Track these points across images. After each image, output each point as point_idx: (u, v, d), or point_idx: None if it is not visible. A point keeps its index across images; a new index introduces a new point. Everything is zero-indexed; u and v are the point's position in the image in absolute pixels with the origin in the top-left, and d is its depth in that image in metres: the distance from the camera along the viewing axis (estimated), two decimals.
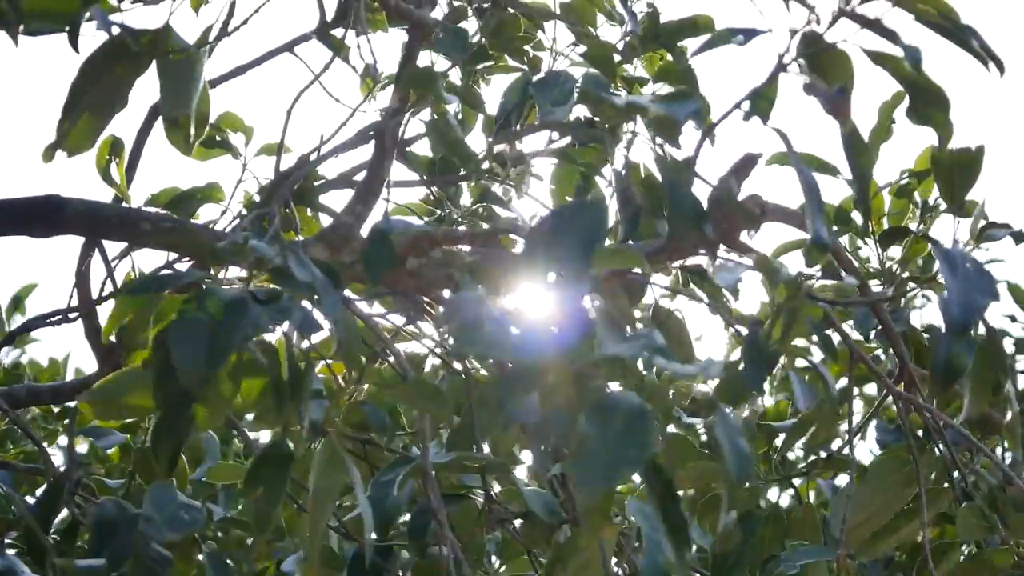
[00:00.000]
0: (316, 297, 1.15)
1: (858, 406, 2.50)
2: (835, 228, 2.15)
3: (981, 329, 1.33)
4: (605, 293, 1.40)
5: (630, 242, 1.64)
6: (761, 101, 1.31)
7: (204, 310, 1.09)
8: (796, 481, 2.34)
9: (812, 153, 2.10)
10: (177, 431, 1.14)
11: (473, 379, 1.80)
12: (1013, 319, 2.33)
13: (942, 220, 1.98)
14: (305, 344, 1.26)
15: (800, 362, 1.46)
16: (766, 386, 2.51)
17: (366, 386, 1.51)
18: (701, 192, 1.52)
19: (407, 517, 1.58)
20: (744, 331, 1.25)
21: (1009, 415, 1.21)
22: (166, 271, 1.32)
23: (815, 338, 1.30)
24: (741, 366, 1.21)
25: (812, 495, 2.11)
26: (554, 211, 1.15)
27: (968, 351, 1.12)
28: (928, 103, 1.32)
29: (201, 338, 1.07)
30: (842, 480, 2.15)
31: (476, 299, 1.18)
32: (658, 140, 1.51)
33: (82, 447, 2.28)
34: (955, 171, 1.19)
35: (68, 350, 2.87)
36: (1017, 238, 1.17)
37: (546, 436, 1.09)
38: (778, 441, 2.22)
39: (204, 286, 1.12)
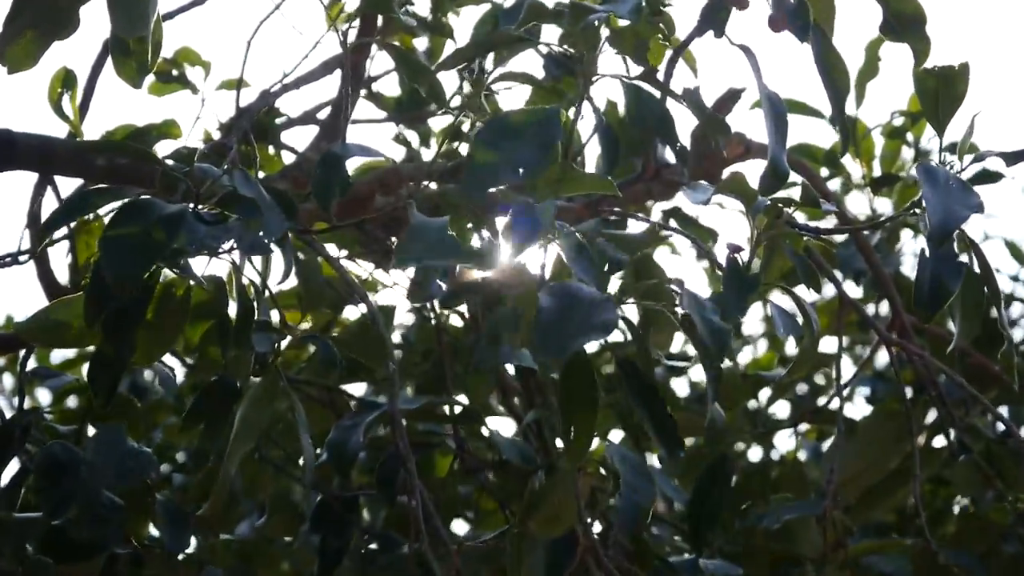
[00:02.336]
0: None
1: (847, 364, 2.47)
2: (824, 172, 2.10)
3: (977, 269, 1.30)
4: (576, 221, 1.34)
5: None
6: (720, 12, 1.33)
7: (140, 222, 1.07)
8: (782, 441, 2.31)
9: (796, 99, 2.14)
10: (114, 361, 1.11)
11: (443, 325, 1.82)
12: (1016, 279, 2.28)
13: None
14: (256, 277, 1.27)
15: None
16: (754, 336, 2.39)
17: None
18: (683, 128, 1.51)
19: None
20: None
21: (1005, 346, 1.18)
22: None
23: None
24: (721, 292, 1.19)
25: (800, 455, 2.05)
26: (503, 114, 1.15)
27: (955, 273, 1.10)
28: (902, 19, 1.33)
29: (134, 246, 1.05)
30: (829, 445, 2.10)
31: (438, 224, 1.18)
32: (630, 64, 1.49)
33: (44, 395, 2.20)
34: (939, 90, 1.16)
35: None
36: (1009, 159, 1.13)
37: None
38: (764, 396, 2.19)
39: (141, 199, 1.10)
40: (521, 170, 1.15)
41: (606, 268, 1.26)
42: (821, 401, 2.24)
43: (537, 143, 1.17)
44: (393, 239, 1.68)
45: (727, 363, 1.52)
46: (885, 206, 2.20)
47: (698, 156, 1.63)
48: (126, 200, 1.10)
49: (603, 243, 1.28)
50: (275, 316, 1.35)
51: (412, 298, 1.33)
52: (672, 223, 1.83)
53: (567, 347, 1.07)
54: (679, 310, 1.21)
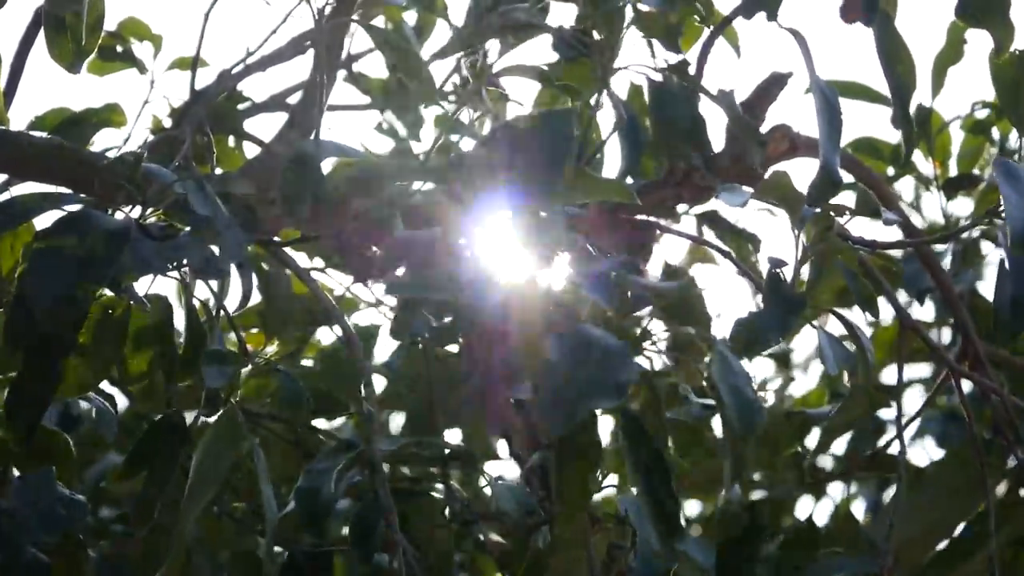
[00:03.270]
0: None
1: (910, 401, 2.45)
2: (891, 172, 2.07)
3: None
4: (590, 232, 1.41)
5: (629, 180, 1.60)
6: None
7: (76, 239, 1.08)
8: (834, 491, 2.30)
9: (858, 81, 2.14)
10: (37, 391, 1.11)
11: (433, 352, 1.82)
12: None
13: None
14: (210, 299, 1.30)
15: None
16: (800, 372, 2.47)
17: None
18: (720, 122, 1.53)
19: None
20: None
21: None
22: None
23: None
24: (759, 310, 1.22)
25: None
26: (511, 120, 1.18)
27: None
28: (982, 1, 1.33)
29: (66, 269, 1.05)
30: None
31: (427, 237, 1.24)
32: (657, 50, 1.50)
33: None
34: (1020, 81, 1.15)
35: None
36: None
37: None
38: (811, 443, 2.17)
39: (80, 211, 1.10)
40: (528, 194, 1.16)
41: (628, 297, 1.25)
42: (879, 443, 2.18)
43: (548, 156, 1.20)
44: (375, 248, 1.62)
45: (770, 398, 1.50)
46: (965, 210, 2.20)
47: (735, 155, 1.63)
48: (61, 211, 1.12)
49: (624, 268, 1.28)
50: (233, 340, 1.38)
51: (395, 334, 1.36)
52: (706, 231, 1.76)
53: (573, 414, 1.08)
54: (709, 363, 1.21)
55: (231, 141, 1.87)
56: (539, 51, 1.57)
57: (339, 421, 1.95)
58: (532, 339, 1.18)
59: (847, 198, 1.37)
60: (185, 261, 1.16)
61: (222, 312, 1.32)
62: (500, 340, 1.26)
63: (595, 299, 1.18)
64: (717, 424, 2.12)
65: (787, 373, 2.32)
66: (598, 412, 1.25)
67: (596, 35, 1.46)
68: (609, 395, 1.06)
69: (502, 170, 1.20)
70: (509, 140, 1.22)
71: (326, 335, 1.88)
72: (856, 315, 1.35)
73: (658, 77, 1.41)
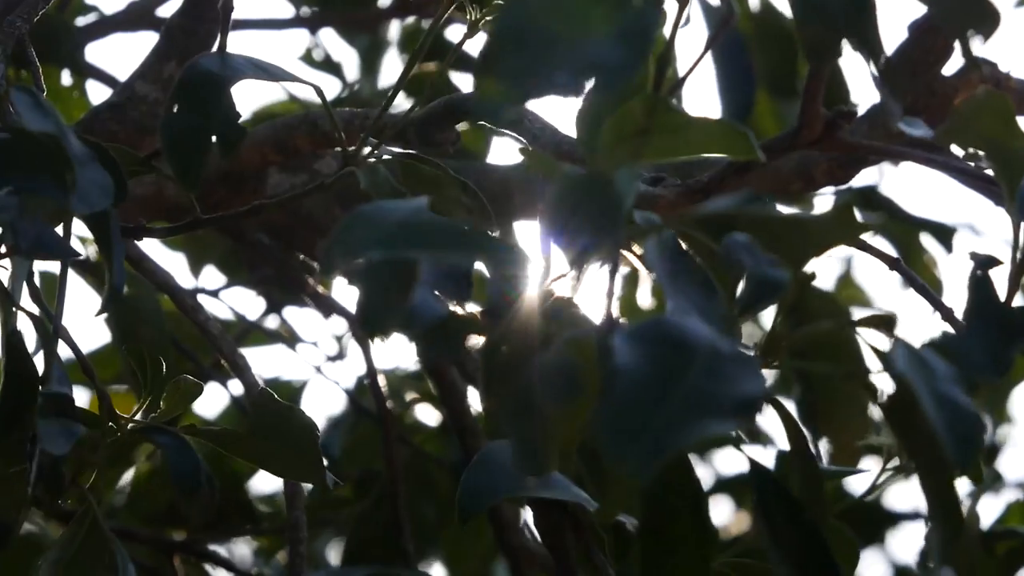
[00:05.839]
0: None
1: None
2: None
3: None
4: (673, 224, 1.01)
5: None
6: None
7: None
8: None
9: None
10: None
11: (400, 420, 1.63)
12: None
13: None
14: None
15: None
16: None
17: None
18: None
19: None
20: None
21: None
22: None
23: None
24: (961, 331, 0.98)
25: None
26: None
27: None
28: None
29: None
30: None
31: (407, 204, 0.89)
32: None
33: None
34: None
35: None
36: None
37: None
38: None
39: None
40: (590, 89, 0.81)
41: (740, 296, 0.93)
42: None
43: (620, 39, 0.82)
44: (301, 256, 1.47)
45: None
46: None
47: (900, 92, 1.11)
48: None
49: (735, 244, 0.94)
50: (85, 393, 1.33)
51: (365, 326, 0.97)
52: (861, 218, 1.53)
53: (664, 444, 0.76)
54: (879, 379, 0.93)
55: (65, 77, 1.55)
56: None
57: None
58: (580, 353, 0.88)
59: None
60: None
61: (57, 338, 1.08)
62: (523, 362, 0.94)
63: (676, 299, 0.86)
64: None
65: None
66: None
67: None
68: (727, 415, 0.77)
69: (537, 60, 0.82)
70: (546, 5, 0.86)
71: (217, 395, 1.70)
72: None
73: None
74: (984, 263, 1.01)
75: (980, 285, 1.01)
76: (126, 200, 1.14)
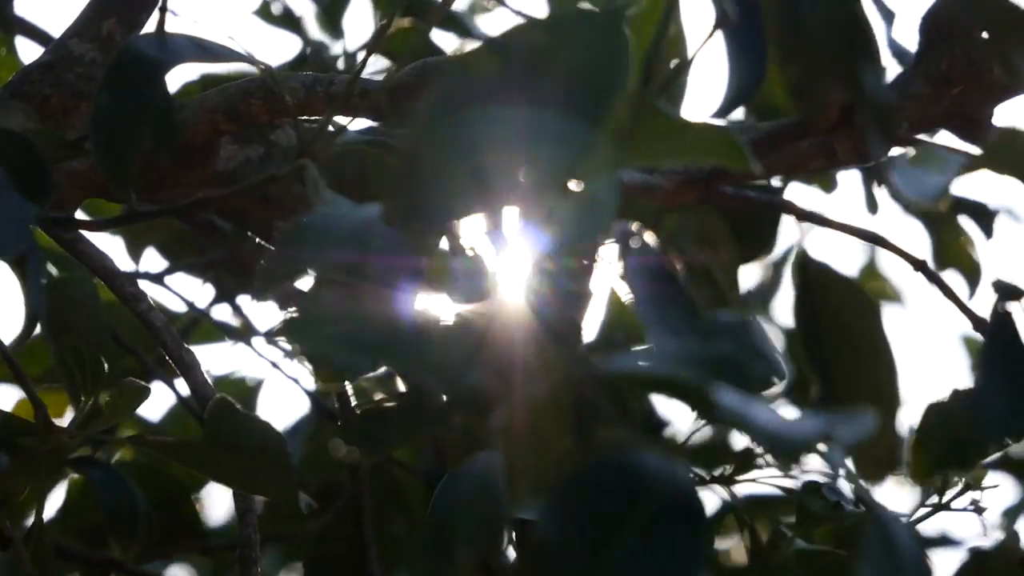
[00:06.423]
0: None
1: None
2: None
3: None
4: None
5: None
6: None
7: None
8: None
9: None
10: None
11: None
12: None
13: None
14: None
15: None
16: None
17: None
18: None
19: None
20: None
21: None
22: None
23: None
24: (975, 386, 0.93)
25: None
26: (518, 27, 0.83)
27: None
28: None
29: None
30: None
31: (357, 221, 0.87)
32: None
33: None
34: None
35: None
36: None
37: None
38: None
39: None
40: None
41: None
42: None
43: (589, 83, 0.79)
44: (256, 238, 1.33)
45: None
46: None
47: (932, 74, 1.15)
48: None
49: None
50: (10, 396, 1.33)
51: (319, 375, 1.05)
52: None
53: None
54: None
55: None
56: None
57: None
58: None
59: None
60: None
61: None
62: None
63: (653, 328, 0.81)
64: None
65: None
66: None
67: None
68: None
69: (504, 101, 0.81)
70: (518, 54, 0.82)
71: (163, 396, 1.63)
72: None
73: None
74: (1007, 293, 0.98)
75: (1000, 325, 0.98)
76: (59, 174, 1.14)
